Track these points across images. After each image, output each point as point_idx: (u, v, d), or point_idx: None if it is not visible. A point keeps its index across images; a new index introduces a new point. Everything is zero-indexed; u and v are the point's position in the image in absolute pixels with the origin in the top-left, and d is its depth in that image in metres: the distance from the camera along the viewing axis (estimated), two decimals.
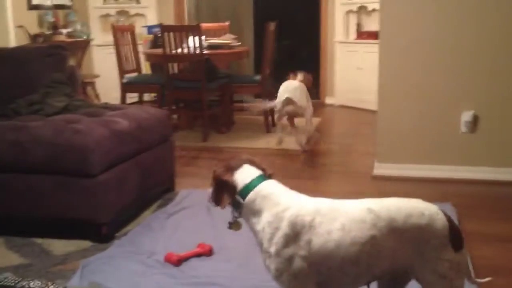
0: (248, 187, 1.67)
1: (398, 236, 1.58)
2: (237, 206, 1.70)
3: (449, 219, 1.64)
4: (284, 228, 1.59)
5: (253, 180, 1.68)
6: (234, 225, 1.76)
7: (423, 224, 1.59)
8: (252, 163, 1.75)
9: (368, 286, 1.69)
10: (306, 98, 4.69)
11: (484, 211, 3.24)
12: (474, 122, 3.79)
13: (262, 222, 1.63)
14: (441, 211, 1.64)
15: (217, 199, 1.74)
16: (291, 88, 4.60)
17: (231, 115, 5.88)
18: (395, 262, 1.61)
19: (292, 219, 1.59)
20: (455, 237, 1.62)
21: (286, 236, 1.58)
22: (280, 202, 1.63)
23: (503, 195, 3.55)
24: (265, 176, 1.72)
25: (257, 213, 1.65)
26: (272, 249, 1.60)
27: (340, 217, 1.59)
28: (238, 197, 1.68)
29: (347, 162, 4.44)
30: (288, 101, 4.50)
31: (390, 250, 1.58)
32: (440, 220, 1.61)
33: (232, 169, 1.72)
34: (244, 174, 1.70)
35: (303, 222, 1.58)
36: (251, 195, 1.66)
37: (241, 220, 1.74)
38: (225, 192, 1.71)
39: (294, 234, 1.58)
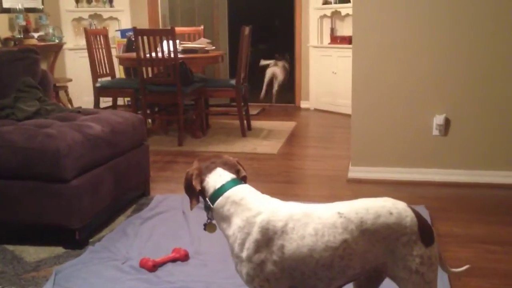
0: (218, 193, 1.66)
1: (368, 237, 1.60)
2: (208, 210, 1.69)
3: (417, 215, 1.65)
4: (255, 233, 1.58)
5: (223, 185, 1.66)
6: (208, 226, 1.73)
7: (392, 222, 1.60)
8: (225, 165, 1.73)
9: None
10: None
11: (457, 213, 3.29)
12: (446, 126, 3.85)
13: (233, 228, 1.62)
14: (409, 208, 1.66)
15: (190, 200, 1.73)
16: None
17: (207, 119, 5.87)
18: (368, 262, 1.62)
19: (263, 224, 1.58)
20: (424, 232, 1.63)
21: (257, 241, 1.57)
22: (251, 207, 1.62)
23: (475, 197, 3.60)
24: (238, 179, 1.70)
25: (226, 218, 1.64)
26: (244, 254, 1.59)
27: (312, 222, 1.59)
28: (208, 201, 1.67)
29: (322, 166, 4.46)
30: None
31: (362, 252, 1.60)
32: (408, 217, 1.62)
33: (203, 173, 1.71)
34: (215, 179, 1.68)
35: (275, 228, 1.58)
36: (220, 201, 1.65)
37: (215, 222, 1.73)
38: (194, 196, 1.70)
39: (266, 240, 1.57)
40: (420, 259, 1.61)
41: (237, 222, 1.61)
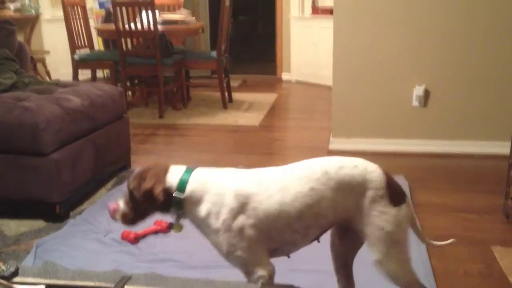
0: (183, 182, 1.64)
1: (334, 186, 1.62)
2: (178, 205, 1.66)
3: (386, 173, 1.66)
4: (229, 202, 1.60)
5: (184, 174, 1.66)
6: (176, 226, 1.70)
7: (356, 174, 1.63)
8: (165, 166, 1.70)
9: (318, 240, 1.73)
10: None
11: (436, 182, 3.34)
12: (426, 97, 3.88)
13: (206, 205, 1.63)
14: (379, 167, 1.67)
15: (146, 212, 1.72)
16: None
17: (187, 91, 5.83)
18: (338, 212, 1.65)
19: (235, 192, 1.61)
20: (393, 191, 1.64)
21: (232, 209, 1.60)
22: (218, 181, 1.65)
23: (454, 167, 3.66)
24: (190, 167, 1.70)
25: (199, 200, 1.64)
26: (222, 225, 1.60)
27: (277, 180, 1.64)
28: (177, 194, 1.64)
29: (303, 138, 4.48)
30: None
31: (330, 201, 1.63)
32: (375, 172, 1.64)
33: (161, 177, 1.66)
34: (174, 173, 1.67)
35: (246, 193, 1.61)
36: (188, 188, 1.64)
37: (182, 221, 1.70)
38: (159, 201, 1.64)
39: (240, 206, 1.60)
40: (386, 216, 1.62)
41: (209, 199, 1.63)
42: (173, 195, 1.64)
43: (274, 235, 1.64)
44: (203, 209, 1.63)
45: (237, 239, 1.61)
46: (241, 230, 1.60)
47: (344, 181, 1.62)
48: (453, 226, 2.71)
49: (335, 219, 1.67)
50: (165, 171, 1.67)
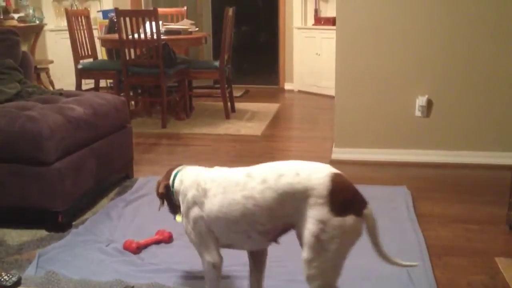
0: (174, 177, 2.00)
1: (271, 194, 1.66)
2: (174, 195, 2.00)
3: (339, 182, 1.62)
4: (190, 195, 1.86)
5: (175, 174, 2.00)
6: (178, 214, 2.03)
7: (296, 182, 1.64)
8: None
9: (277, 242, 1.80)
10: None
11: (439, 193, 3.33)
12: (428, 107, 3.88)
13: (180, 197, 1.94)
14: (330, 173, 1.64)
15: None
16: None
17: (190, 101, 5.84)
18: (277, 219, 1.69)
19: (196, 187, 1.86)
20: (337, 200, 1.59)
21: (189, 201, 1.86)
22: (191, 177, 1.92)
23: (457, 177, 3.65)
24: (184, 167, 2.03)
25: (178, 191, 1.96)
26: (184, 212, 1.89)
27: (223, 183, 1.79)
28: (172, 188, 2.00)
29: (306, 147, 4.48)
30: None
31: (265, 209, 1.67)
32: (319, 179, 1.62)
33: (169, 173, 2.04)
34: (171, 175, 2.03)
35: (203, 188, 1.83)
36: (176, 181, 1.98)
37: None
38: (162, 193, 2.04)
39: (195, 199, 1.84)
40: (323, 226, 1.59)
41: (182, 190, 1.92)
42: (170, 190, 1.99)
43: (216, 231, 1.82)
44: (179, 199, 1.94)
45: (190, 226, 1.87)
46: (195, 220, 1.84)
47: (283, 190, 1.65)
48: (456, 237, 2.70)
49: (276, 225, 1.71)
50: (172, 170, 2.03)
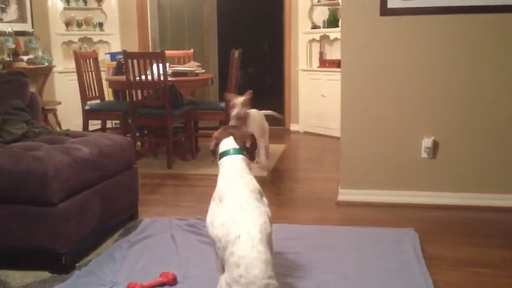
0: (222, 154, 2.40)
1: None
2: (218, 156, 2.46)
3: None
4: (219, 186, 2.33)
5: (226, 151, 2.39)
6: (215, 159, 2.48)
7: None
8: (236, 135, 2.45)
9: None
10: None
11: (446, 236, 3.28)
12: (434, 148, 3.87)
13: (219, 182, 2.35)
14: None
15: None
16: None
17: (196, 142, 5.86)
18: None
19: (221, 184, 2.33)
20: None
21: (217, 192, 2.31)
22: (228, 175, 2.33)
23: (464, 219, 3.61)
24: (239, 149, 2.39)
25: (220, 172, 2.37)
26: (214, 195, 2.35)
27: (224, 195, 2.28)
28: (218, 156, 2.44)
29: (312, 189, 4.46)
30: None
31: None
32: None
33: (220, 137, 2.46)
34: (224, 144, 2.43)
35: (223, 190, 2.29)
36: (221, 160, 2.40)
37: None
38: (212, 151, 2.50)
39: (220, 196, 2.28)
40: None
41: (220, 180, 2.35)
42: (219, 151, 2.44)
43: (220, 243, 2.14)
44: (218, 182, 2.37)
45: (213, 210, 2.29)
46: (215, 207, 2.27)
47: None
48: (465, 281, 2.65)
49: None
50: (225, 136, 2.45)
